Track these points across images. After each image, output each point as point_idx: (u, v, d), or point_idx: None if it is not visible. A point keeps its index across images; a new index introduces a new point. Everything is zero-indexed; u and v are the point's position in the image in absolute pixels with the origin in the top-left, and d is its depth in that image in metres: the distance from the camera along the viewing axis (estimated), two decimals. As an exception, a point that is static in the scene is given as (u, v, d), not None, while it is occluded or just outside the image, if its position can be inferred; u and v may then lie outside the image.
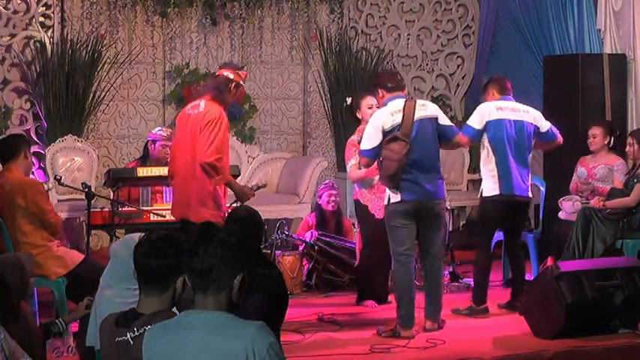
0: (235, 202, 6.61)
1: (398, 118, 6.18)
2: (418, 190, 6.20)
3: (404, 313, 6.22)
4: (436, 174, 6.32)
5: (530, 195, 7.03)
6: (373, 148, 6.21)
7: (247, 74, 6.63)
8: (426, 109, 6.35)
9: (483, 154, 6.91)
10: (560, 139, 7.16)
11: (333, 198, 8.22)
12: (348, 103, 7.48)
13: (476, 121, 6.85)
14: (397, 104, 6.26)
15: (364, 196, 7.14)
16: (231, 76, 6.44)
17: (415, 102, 6.35)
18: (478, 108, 6.98)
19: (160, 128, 8.10)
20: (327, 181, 8.60)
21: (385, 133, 6.17)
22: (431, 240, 6.36)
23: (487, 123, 6.81)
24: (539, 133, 7.01)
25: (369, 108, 6.98)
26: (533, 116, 6.98)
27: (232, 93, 6.47)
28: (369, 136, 6.24)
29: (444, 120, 6.44)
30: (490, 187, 6.83)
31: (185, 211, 6.20)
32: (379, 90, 6.48)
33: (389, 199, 6.28)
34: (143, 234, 3.70)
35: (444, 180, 6.45)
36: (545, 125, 7.04)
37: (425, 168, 6.23)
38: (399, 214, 6.24)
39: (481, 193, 6.94)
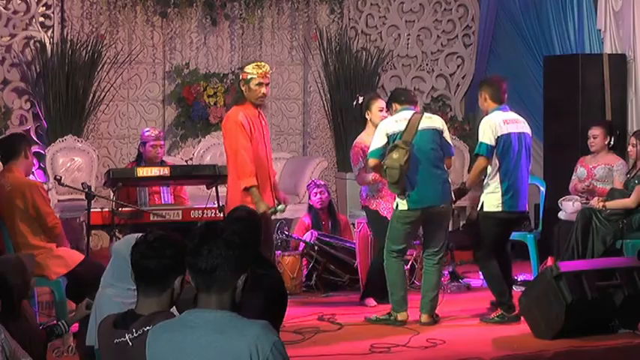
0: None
1: (402, 126, 6.49)
2: (423, 197, 6.48)
3: (397, 298, 6.60)
4: (440, 178, 6.55)
5: (527, 208, 6.92)
6: (377, 148, 6.55)
7: (267, 70, 6.61)
8: (432, 120, 6.65)
9: (488, 169, 6.68)
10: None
11: (318, 196, 8.26)
12: (360, 101, 7.50)
13: (488, 137, 6.61)
14: (404, 114, 6.60)
15: (372, 202, 7.18)
16: (241, 75, 6.66)
17: (423, 114, 6.67)
18: (485, 123, 6.66)
19: (148, 129, 8.04)
20: (311, 180, 8.62)
21: (388, 138, 6.49)
22: (435, 240, 6.66)
23: (498, 138, 6.60)
24: None
25: (380, 110, 7.18)
26: (527, 126, 6.82)
27: (245, 90, 6.56)
28: (375, 140, 6.61)
29: (447, 136, 6.67)
30: (493, 202, 6.65)
31: None
32: (393, 104, 6.82)
33: (397, 205, 6.57)
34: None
35: (450, 182, 6.65)
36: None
37: (428, 174, 6.48)
38: (404, 221, 6.56)
39: (481, 206, 6.73)
